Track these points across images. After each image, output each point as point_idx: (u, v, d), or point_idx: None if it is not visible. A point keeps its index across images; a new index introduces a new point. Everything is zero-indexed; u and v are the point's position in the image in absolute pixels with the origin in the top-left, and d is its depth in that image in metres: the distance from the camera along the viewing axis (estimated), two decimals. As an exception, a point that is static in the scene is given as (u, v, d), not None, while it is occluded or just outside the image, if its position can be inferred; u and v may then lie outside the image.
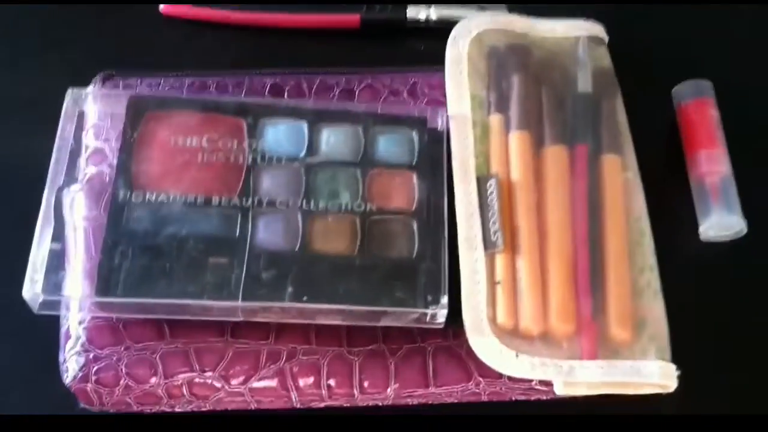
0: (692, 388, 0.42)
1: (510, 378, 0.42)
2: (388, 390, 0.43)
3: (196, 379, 0.42)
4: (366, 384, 0.43)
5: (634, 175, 0.47)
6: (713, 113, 0.51)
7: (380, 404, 0.43)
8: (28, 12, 0.56)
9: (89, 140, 0.46)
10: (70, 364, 0.42)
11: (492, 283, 0.43)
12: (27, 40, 0.55)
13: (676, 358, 0.43)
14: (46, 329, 0.43)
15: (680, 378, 0.42)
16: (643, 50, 0.54)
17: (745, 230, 0.48)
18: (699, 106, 0.51)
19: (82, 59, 0.53)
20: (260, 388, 0.43)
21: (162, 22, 0.55)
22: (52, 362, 0.43)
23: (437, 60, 0.50)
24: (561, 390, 0.42)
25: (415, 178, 0.45)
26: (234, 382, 0.43)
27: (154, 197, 0.43)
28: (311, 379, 0.43)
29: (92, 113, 0.47)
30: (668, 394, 0.42)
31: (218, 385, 0.43)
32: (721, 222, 0.48)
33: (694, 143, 0.51)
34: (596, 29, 0.52)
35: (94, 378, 0.42)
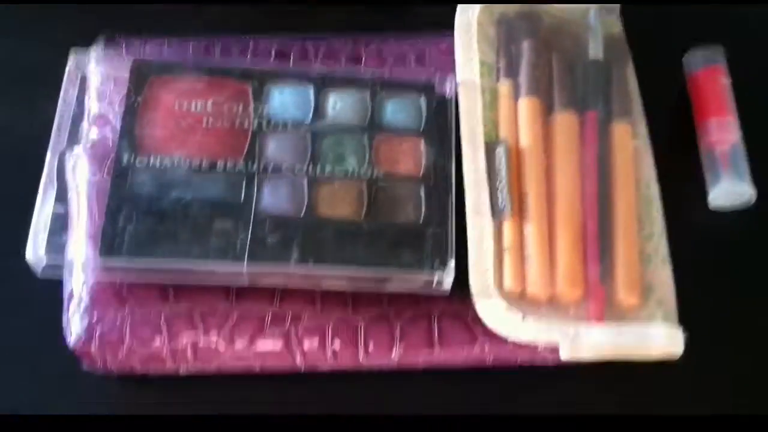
0: (697, 353, 0.42)
1: (516, 344, 0.42)
2: (393, 353, 0.42)
3: (201, 341, 0.42)
4: (371, 346, 0.43)
5: (643, 143, 0.47)
6: (724, 81, 0.50)
7: (385, 368, 0.43)
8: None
9: (92, 104, 0.46)
10: (74, 325, 0.42)
11: (499, 249, 0.43)
12: (27, 4, 0.55)
13: (683, 323, 0.42)
14: (49, 293, 0.43)
15: (686, 343, 0.42)
16: (655, 17, 0.54)
17: (754, 198, 0.48)
18: (710, 74, 0.51)
19: (85, 22, 0.52)
20: (265, 351, 0.42)
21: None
22: (55, 325, 0.43)
23: (445, 25, 0.50)
24: (567, 354, 0.41)
25: (422, 144, 0.45)
26: (238, 344, 0.42)
27: (158, 161, 0.43)
28: (316, 342, 0.42)
29: (95, 76, 0.46)
30: (674, 361, 0.42)
31: (222, 348, 0.42)
32: (730, 190, 0.48)
33: (704, 111, 0.50)
34: (607, -5, 0.51)
35: (97, 339, 0.42)
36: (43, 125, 0.45)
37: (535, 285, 0.42)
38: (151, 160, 0.43)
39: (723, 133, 0.49)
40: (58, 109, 0.44)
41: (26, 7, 0.54)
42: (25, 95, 0.50)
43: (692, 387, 0.44)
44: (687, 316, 0.43)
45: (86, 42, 0.48)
